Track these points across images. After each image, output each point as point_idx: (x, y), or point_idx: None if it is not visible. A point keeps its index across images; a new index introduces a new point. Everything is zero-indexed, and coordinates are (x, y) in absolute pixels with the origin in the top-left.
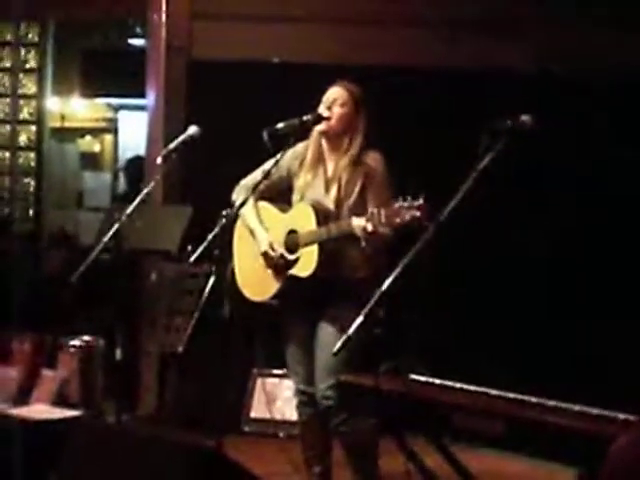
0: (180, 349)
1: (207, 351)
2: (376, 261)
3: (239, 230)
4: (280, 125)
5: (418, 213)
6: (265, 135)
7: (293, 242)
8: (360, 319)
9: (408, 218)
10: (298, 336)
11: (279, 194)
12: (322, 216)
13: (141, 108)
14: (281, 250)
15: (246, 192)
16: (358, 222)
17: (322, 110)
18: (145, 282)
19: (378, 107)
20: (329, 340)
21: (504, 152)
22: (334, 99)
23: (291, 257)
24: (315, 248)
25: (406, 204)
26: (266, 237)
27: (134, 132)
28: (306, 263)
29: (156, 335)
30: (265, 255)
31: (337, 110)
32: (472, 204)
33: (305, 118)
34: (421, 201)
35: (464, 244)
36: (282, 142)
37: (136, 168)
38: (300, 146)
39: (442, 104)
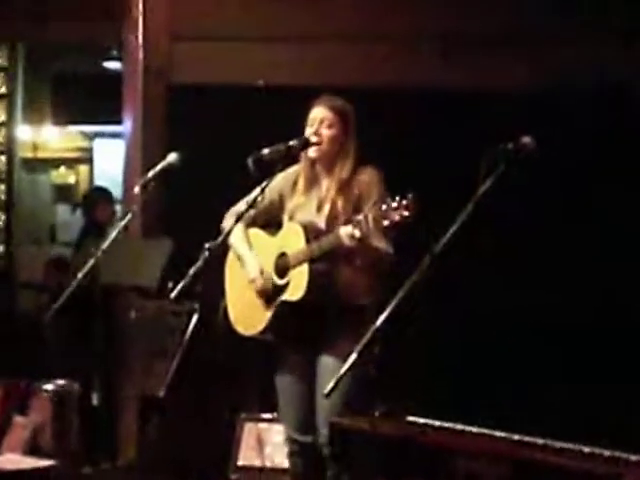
0: (161, 393)
1: (191, 394)
2: (377, 286)
3: (230, 262)
4: (265, 151)
5: (407, 212)
6: (250, 162)
7: (283, 265)
8: (353, 357)
9: (397, 218)
10: (292, 374)
11: (271, 219)
12: (312, 234)
13: (117, 136)
14: (271, 275)
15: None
16: (345, 230)
17: (309, 134)
18: (123, 321)
19: (367, 131)
20: (329, 373)
21: (505, 177)
22: (320, 120)
23: (281, 282)
24: (305, 268)
25: (394, 204)
26: (255, 263)
27: (110, 161)
28: (296, 286)
29: (135, 378)
30: (255, 282)
31: (325, 133)
32: (471, 238)
33: (292, 143)
34: (409, 199)
35: (465, 286)
36: (268, 169)
37: (93, 200)
38: (292, 170)
39: (437, 126)
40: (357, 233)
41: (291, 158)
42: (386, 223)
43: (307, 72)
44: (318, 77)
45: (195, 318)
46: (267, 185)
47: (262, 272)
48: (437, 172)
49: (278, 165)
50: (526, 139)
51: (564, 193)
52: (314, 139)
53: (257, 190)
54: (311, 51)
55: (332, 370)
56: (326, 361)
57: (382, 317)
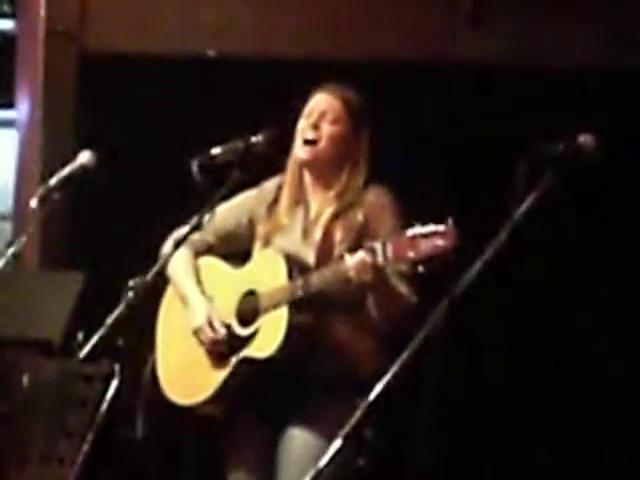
0: None
1: None
2: (383, 352)
3: (167, 300)
4: (217, 150)
5: (443, 242)
6: (194, 166)
7: (250, 308)
8: (337, 444)
9: (427, 249)
10: (250, 459)
11: (236, 249)
12: (297, 269)
13: (7, 124)
14: (229, 323)
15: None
16: (353, 259)
17: (303, 127)
18: (13, 389)
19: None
20: (299, 455)
21: (553, 192)
22: (322, 112)
23: (244, 331)
24: (283, 314)
25: (424, 230)
26: (202, 306)
27: None
28: (267, 338)
29: (30, 469)
30: (200, 332)
31: (327, 129)
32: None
33: (254, 139)
34: (449, 224)
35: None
36: (220, 175)
37: None
38: (270, 183)
39: (461, 113)
40: (372, 261)
41: (253, 161)
42: (412, 255)
43: (279, 39)
44: (295, 46)
45: (114, 384)
46: (220, 198)
47: (210, 321)
48: (460, 182)
49: (234, 171)
50: (584, 138)
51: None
52: (309, 135)
53: (224, 205)
54: (286, 10)
55: (305, 454)
56: (297, 440)
57: (378, 388)
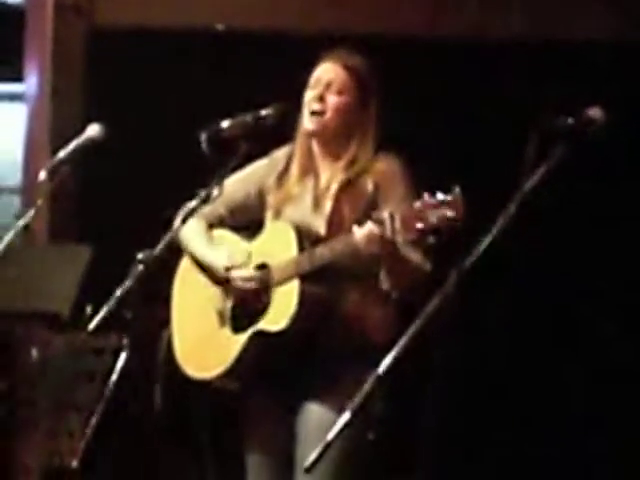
0: (74, 463)
1: (119, 466)
2: (396, 320)
3: (182, 273)
4: (225, 124)
5: (451, 212)
6: (203, 138)
7: (262, 281)
8: (346, 417)
9: (435, 220)
10: (266, 436)
11: (248, 220)
12: (308, 239)
13: (16, 98)
14: (251, 273)
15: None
16: (362, 230)
17: (309, 98)
18: (21, 362)
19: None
20: (316, 429)
21: (562, 165)
22: (328, 82)
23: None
24: (294, 287)
25: (433, 200)
26: (224, 254)
27: (5, 135)
28: (279, 311)
29: (38, 442)
30: (228, 273)
31: (333, 100)
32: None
33: (264, 112)
34: (455, 194)
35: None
36: (228, 148)
37: None
38: (280, 152)
39: (472, 86)
40: (380, 233)
41: (261, 134)
42: (420, 226)
43: (288, 13)
44: (303, 19)
45: (123, 357)
46: (229, 172)
47: (234, 264)
48: (471, 155)
49: (242, 144)
50: (594, 111)
51: None
52: (315, 106)
53: (235, 176)
54: None
55: (320, 427)
56: (313, 414)
57: (387, 360)
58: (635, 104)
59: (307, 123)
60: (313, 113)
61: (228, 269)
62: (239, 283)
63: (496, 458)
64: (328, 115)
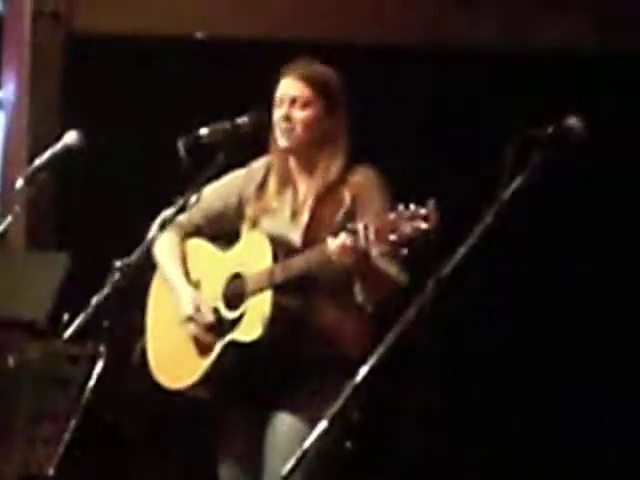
0: (51, 471)
1: (94, 474)
2: (370, 332)
3: (156, 283)
4: (203, 131)
5: (425, 224)
6: (181, 146)
7: (237, 291)
8: (323, 425)
9: (409, 231)
10: (238, 447)
11: (224, 230)
12: (282, 250)
13: None
14: (216, 306)
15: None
16: (334, 241)
17: (277, 118)
18: None
19: (358, 101)
20: (286, 439)
21: (540, 174)
22: (292, 99)
23: (230, 314)
24: (267, 297)
25: (407, 212)
26: (189, 294)
27: None
28: (252, 321)
29: (13, 450)
30: (189, 322)
31: (299, 115)
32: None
33: (241, 120)
34: (430, 206)
35: (480, 318)
36: (206, 156)
37: None
38: (258, 163)
39: (450, 96)
40: (353, 243)
41: (240, 142)
42: (393, 238)
43: (270, 21)
44: (286, 28)
45: (99, 365)
46: (206, 179)
47: (198, 308)
48: (447, 163)
49: (220, 152)
50: (571, 120)
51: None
52: (283, 125)
53: (211, 187)
54: None
55: (291, 438)
56: (284, 424)
57: (364, 368)
58: (613, 112)
59: (280, 141)
60: (283, 131)
61: (190, 319)
62: (196, 331)
63: (479, 466)
64: (297, 131)
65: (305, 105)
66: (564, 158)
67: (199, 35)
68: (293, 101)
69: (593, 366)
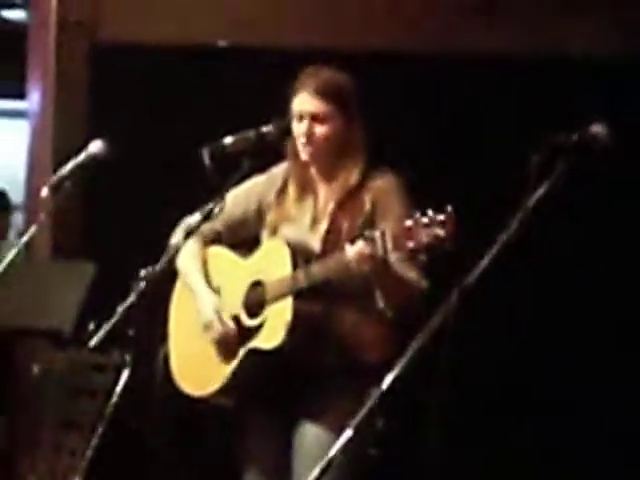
0: None
1: None
2: (393, 338)
3: (178, 292)
4: (228, 140)
5: (442, 232)
6: (205, 155)
7: (257, 299)
8: (348, 433)
9: (426, 240)
10: (262, 455)
11: (245, 236)
12: (302, 257)
13: (19, 115)
14: (237, 313)
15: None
16: (353, 248)
17: (298, 134)
18: (23, 379)
19: (375, 109)
20: (312, 449)
21: (566, 181)
22: (311, 115)
23: (251, 322)
24: (288, 305)
25: (424, 219)
26: (211, 300)
27: (8, 151)
28: (273, 329)
29: (40, 459)
30: (209, 329)
31: (320, 130)
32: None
33: (266, 129)
34: (448, 213)
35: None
36: (231, 165)
37: None
38: (278, 169)
39: (469, 102)
40: (370, 251)
41: (264, 151)
42: (411, 245)
43: (292, 30)
44: (307, 36)
45: (125, 374)
46: (231, 187)
47: (220, 316)
48: (472, 173)
49: (245, 161)
50: (597, 127)
51: None
52: (304, 140)
53: (232, 193)
54: (296, 1)
55: (317, 447)
56: (309, 433)
57: (390, 377)
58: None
59: (302, 154)
60: (305, 145)
61: (211, 326)
62: (216, 335)
63: (487, 467)
64: (318, 144)
65: (325, 120)
66: (589, 166)
67: (222, 43)
68: (313, 118)
69: (603, 367)
